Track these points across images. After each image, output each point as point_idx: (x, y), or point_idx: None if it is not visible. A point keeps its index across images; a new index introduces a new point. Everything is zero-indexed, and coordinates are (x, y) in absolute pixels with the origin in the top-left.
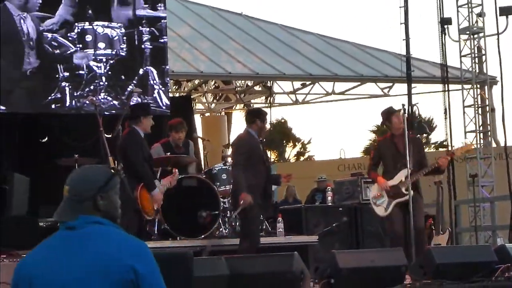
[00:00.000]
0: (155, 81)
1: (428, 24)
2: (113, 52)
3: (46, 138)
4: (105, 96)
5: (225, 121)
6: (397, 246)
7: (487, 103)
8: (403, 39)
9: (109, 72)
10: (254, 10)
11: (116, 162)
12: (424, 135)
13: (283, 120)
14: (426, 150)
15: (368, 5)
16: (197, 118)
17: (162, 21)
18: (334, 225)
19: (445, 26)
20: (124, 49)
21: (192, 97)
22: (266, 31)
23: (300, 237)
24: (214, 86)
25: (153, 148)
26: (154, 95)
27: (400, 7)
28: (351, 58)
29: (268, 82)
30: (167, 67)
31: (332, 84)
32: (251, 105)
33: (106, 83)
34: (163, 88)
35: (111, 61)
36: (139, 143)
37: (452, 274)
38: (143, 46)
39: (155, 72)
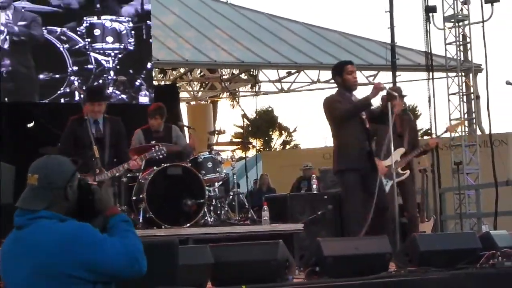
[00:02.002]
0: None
1: (413, 12)
2: (121, 46)
3: (33, 123)
4: (114, 90)
5: (211, 109)
6: (391, 228)
7: (472, 90)
8: (388, 28)
9: (118, 66)
10: None
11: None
12: None
13: (269, 109)
14: None
15: None
16: (183, 107)
17: None
18: (319, 213)
19: (430, 14)
20: (132, 43)
21: (177, 85)
22: (252, 20)
23: (285, 225)
24: (199, 74)
25: (135, 133)
26: None
27: None
28: (336, 46)
29: (254, 70)
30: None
31: (317, 73)
32: (237, 93)
33: (114, 77)
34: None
35: (120, 55)
36: (71, 131)
37: (437, 262)
38: (151, 40)
39: None
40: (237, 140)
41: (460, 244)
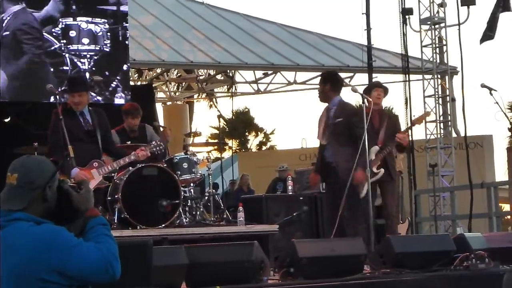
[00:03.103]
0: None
1: (389, 14)
2: (97, 48)
3: (9, 118)
4: (89, 92)
5: (187, 110)
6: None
7: (447, 93)
8: (365, 29)
9: (93, 68)
10: None
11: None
12: None
13: (246, 110)
14: None
15: None
16: (159, 107)
17: None
18: (294, 214)
19: (407, 16)
20: (108, 45)
21: (153, 85)
22: (228, 20)
23: (261, 226)
24: (176, 75)
25: None
26: None
27: None
28: (313, 48)
29: (230, 71)
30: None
31: (294, 74)
32: (214, 94)
33: (90, 79)
34: None
35: (95, 57)
36: (58, 123)
37: (412, 263)
38: (127, 42)
39: None
40: (213, 141)
41: (434, 246)
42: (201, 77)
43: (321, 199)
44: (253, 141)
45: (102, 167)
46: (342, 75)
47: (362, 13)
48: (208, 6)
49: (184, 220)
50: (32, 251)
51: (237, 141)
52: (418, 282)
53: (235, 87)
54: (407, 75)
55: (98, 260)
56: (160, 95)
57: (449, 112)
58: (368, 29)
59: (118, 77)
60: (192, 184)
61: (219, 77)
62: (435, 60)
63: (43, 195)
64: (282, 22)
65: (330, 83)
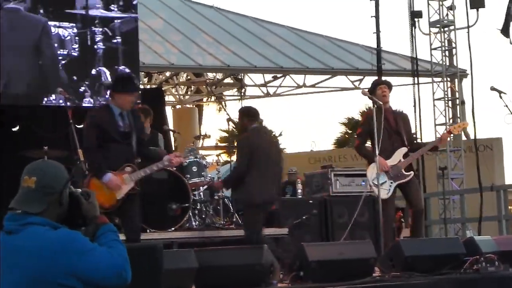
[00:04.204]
0: (108, 82)
1: (398, 17)
2: (65, 53)
3: (18, 127)
4: (56, 97)
5: (196, 113)
6: (389, 228)
7: (457, 96)
8: (374, 32)
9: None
10: (225, 2)
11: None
12: None
13: None
14: None
15: None
16: (168, 110)
17: (116, 21)
18: (304, 217)
19: (416, 19)
20: (76, 50)
21: (163, 89)
22: (238, 24)
23: (271, 230)
24: (185, 78)
25: None
26: (107, 96)
27: (371, 0)
28: (322, 51)
29: (239, 74)
30: (120, 67)
31: (303, 77)
32: (223, 97)
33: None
34: None
35: (63, 62)
36: (94, 124)
37: (421, 267)
38: (95, 46)
39: (107, 72)
40: (222, 144)
41: (444, 249)
42: (210, 81)
43: (330, 203)
44: None
45: (134, 172)
46: (351, 78)
47: (371, 16)
48: (217, 9)
49: (194, 223)
50: (49, 255)
51: None
52: (428, 286)
53: (244, 90)
54: (416, 78)
55: (112, 264)
56: (169, 98)
57: (458, 115)
58: (378, 32)
59: (86, 82)
60: (201, 188)
61: (228, 80)
62: (444, 63)
63: (59, 200)
64: (291, 25)
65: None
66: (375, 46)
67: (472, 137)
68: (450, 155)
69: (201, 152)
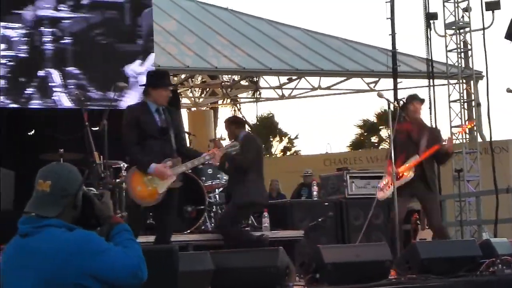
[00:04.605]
0: (56, 83)
1: (414, 19)
2: (13, 53)
3: (33, 131)
4: (4, 99)
5: (212, 115)
6: (394, 235)
7: (472, 98)
8: (389, 34)
9: (9, 74)
10: (240, 4)
11: (102, 157)
12: None
13: (270, 115)
14: None
15: (354, 0)
16: (183, 113)
17: (64, 21)
18: (319, 220)
19: (431, 21)
20: (24, 50)
21: (178, 91)
22: (252, 26)
23: (286, 232)
24: (200, 80)
25: None
26: (54, 98)
27: (386, 2)
28: (337, 53)
29: (254, 76)
30: (68, 68)
31: (318, 79)
32: (238, 99)
33: (6, 86)
34: (64, 91)
35: (11, 63)
36: (132, 121)
37: (437, 269)
38: (44, 47)
39: (56, 73)
40: None
41: (460, 252)
42: (225, 83)
43: (346, 205)
44: (277, 146)
45: (175, 166)
46: (367, 80)
47: (387, 18)
48: (232, 12)
49: (209, 226)
50: (66, 256)
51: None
52: None
53: (259, 92)
54: (432, 80)
55: (129, 263)
56: (184, 101)
57: (474, 117)
58: (393, 34)
59: (34, 83)
60: (217, 190)
61: (243, 82)
62: (460, 65)
63: (74, 202)
64: (306, 27)
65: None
66: (390, 48)
67: (487, 139)
68: (466, 157)
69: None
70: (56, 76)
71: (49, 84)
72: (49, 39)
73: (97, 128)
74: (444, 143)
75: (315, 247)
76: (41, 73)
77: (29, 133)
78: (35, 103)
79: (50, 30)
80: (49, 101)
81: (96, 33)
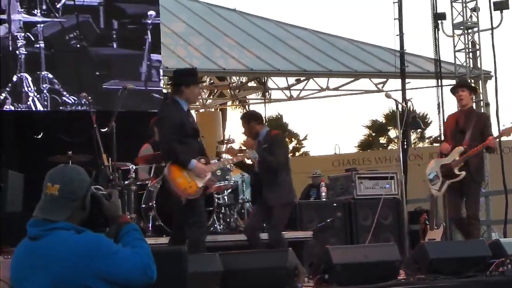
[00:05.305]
0: (29, 88)
1: (422, 19)
2: None
3: (42, 134)
4: None
5: (220, 117)
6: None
7: (481, 98)
8: (397, 35)
9: None
10: (247, 6)
11: (110, 159)
12: (419, 130)
13: (278, 116)
14: (420, 145)
15: (362, 0)
16: (192, 114)
17: (38, 25)
18: (328, 220)
19: (439, 21)
20: None
21: None
22: (260, 27)
23: (295, 233)
24: (208, 82)
25: (144, 147)
26: (29, 103)
27: (394, 2)
28: (345, 53)
29: (263, 78)
30: (43, 73)
31: (326, 80)
32: (246, 101)
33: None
34: (38, 95)
35: None
36: (169, 120)
37: (446, 269)
38: (17, 52)
39: (29, 78)
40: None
41: (469, 252)
42: (233, 84)
43: (354, 205)
44: None
45: (209, 164)
46: (375, 80)
47: (395, 19)
48: (240, 13)
49: (218, 227)
50: (75, 259)
51: None
52: None
53: (268, 93)
54: (440, 80)
55: (138, 264)
56: None
57: None
58: (401, 34)
59: (7, 88)
60: (226, 191)
61: (251, 84)
62: (468, 65)
63: (83, 204)
64: (314, 28)
65: (255, 120)
66: (398, 48)
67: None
68: None
69: (225, 156)
70: (30, 80)
71: (23, 89)
72: (22, 43)
73: (106, 129)
74: (503, 128)
75: (324, 248)
76: (14, 78)
77: (37, 136)
78: (7, 108)
79: (24, 34)
80: (23, 106)
81: (70, 37)
